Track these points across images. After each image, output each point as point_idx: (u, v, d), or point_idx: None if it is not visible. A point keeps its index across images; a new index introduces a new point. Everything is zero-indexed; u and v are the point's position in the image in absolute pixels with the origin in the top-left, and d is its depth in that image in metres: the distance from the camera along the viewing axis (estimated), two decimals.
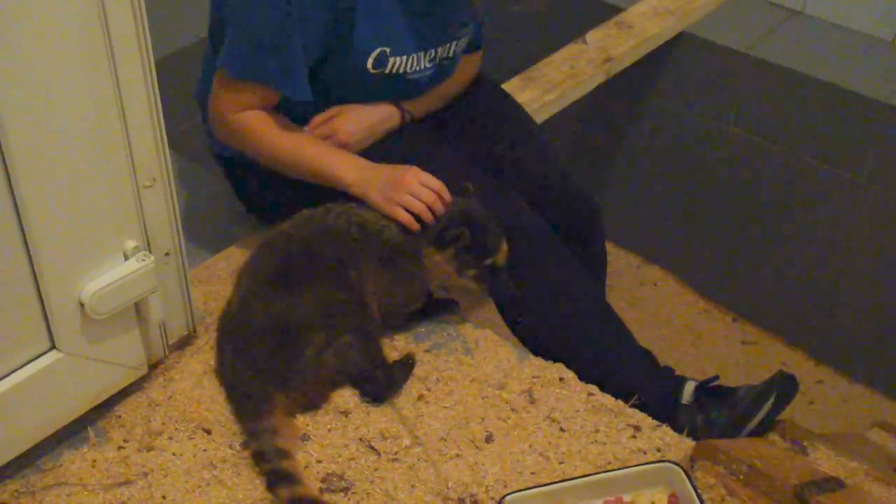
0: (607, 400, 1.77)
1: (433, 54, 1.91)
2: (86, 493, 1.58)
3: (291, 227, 1.79)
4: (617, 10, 2.79)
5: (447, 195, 1.76)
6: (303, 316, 1.67)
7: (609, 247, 2.46)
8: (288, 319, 1.67)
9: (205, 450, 1.65)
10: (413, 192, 1.73)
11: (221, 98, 1.83)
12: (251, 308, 1.70)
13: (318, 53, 1.80)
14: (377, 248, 1.75)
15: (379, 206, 1.75)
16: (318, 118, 1.89)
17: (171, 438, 1.67)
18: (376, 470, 1.63)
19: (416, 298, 1.86)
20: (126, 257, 1.58)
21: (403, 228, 1.75)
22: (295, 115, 1.88)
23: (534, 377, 1.80)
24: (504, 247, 1.79)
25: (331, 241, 1.75)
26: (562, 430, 1.71)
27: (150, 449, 1.65)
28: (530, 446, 1.68)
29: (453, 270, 1.78)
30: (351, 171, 1.79)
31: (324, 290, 1.69)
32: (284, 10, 1.70)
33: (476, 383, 1.79)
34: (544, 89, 2.47)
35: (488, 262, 1.77)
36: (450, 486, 1.61)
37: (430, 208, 1.75)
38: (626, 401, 1.77)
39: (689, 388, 1.92)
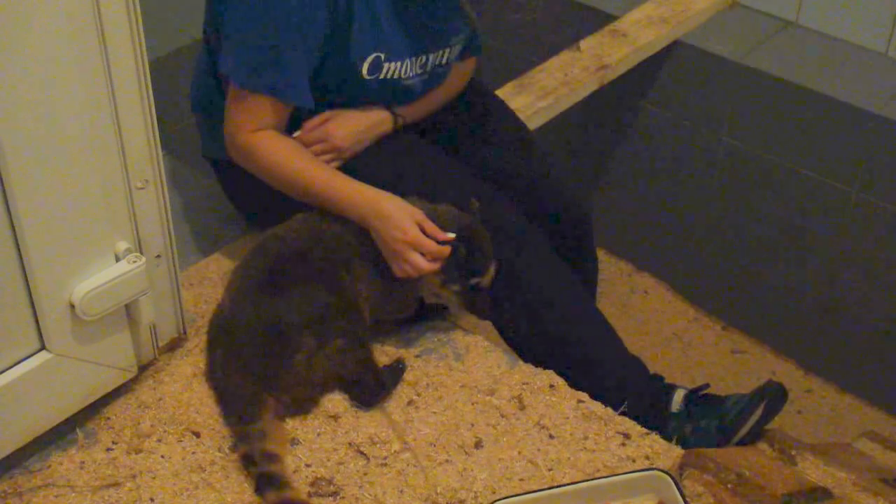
0: (597, 407, 1.77)
1: (426, 60, 1.91)
2: (74, 494, 1.58)
3: (284, 230, 1.79)
4: (611, 19, 2.80)
5: (445, 253, 1.74)
6: (294, 319, 1.67)
7: (601, 254, 2.46)
8: (279, 323, 1.67)
9: (194, 453, 1.65)
10: (418, 269, 1.72)
11: (234, 117, 1.80)
12: (242, 311, 1.70)
13: (316, 61, 1.79)
14: (370, 253, 1.75)
15: (388, 261, 1.75)
16: (310, 122, 1.88)
17: (160, 441, 1.66)
18: (365, 475, 1.63)
19: (407, 304, 1.86)
20: (117, 259, 1.57)
21: None
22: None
23: (524, 384, 1.80)
24: (492, 270, 1.79)
25: (323, 245, 1.75)
26: (551, 436, 1.71)
27: (138, 451, 1.64)
28: (519, 453, 1.68)
29: (438, 282, 1.77)
30: (355, 214, 1.76)
31: (315, 294, 1.69)
32: (284, 18, 1.70)
33: (466, 389, 1.79)
34: (538, 96, 2.47)
35: (473, 281, 1.77)
36: (438, 491, 1.60)
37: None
38: (615, 408, 1.77)
39: (678, 397, 1.93)
